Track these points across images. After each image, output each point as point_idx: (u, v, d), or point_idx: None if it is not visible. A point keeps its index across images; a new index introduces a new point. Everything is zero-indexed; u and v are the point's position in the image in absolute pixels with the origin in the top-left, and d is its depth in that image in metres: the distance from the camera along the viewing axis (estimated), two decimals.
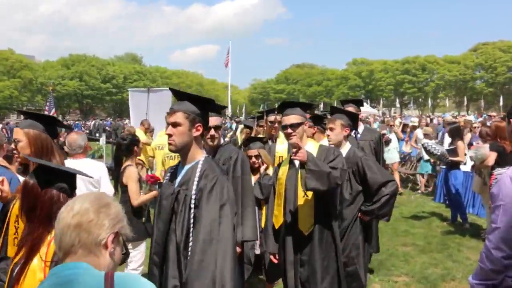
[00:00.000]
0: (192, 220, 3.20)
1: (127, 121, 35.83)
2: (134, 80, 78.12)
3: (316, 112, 9.65)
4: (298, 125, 4.29)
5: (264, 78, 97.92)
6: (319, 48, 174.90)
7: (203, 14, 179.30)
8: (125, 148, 5.91)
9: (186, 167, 3.40)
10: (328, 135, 5.15)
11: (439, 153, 9.16)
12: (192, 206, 3.23)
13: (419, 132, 13.73)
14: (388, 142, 13.78)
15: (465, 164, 10.19)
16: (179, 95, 3.49)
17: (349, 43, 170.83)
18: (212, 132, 4.57)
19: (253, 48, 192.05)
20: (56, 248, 1.87)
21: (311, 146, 4.42)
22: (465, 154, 10.10)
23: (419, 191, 14.01)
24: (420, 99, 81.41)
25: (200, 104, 3.42)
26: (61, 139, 14.13)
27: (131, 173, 5.61)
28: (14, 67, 67.77)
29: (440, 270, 7.19)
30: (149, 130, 11.88)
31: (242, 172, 4.70)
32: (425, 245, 8.47)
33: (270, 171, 5.86)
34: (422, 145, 9.76)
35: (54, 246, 1.95)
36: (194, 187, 3.25)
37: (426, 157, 13.26)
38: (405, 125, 16.96)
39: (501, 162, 7.39)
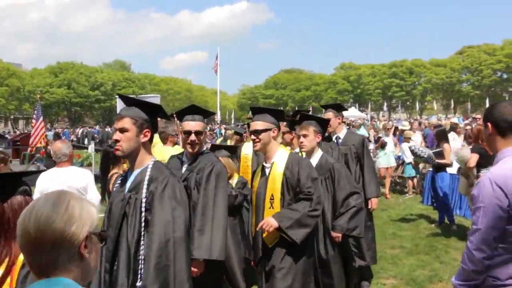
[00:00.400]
0: (143, 224, 3.21)
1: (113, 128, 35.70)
2: (122, 87, 77.96)
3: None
4: (262, 131, 4.24)
5: (253, 83, 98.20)
6: (308, 53, 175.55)
7: (192, 20, 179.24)
8: (112, 156, 5.92)
9: (135, 172, 3.42)
10: (301, 142, 5.05)
11: (426, 156, 9.24)
12: (143, 209, 3.24)
13: (410, 135, 13.80)
14: (384, 145, 13.90)
15: (451, 166, 10.29)
16: (127, 101, 3.51)
17: (337, 48, 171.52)
18: (192, 137, 4.30)
19: (242, 54, 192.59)
20: (27, 266, 1.71)
21: (281, 154, 4.35)
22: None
23: (407, 195, 14.09)
24: (408, 103, 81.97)
25: (148, 110, 3.44)
26: (49, 147, 14.11)
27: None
28: (1, 75, 67.29)
29: (427, 272, 7.23)
30: None
31: (215, 185, 4.18)
32: (412, 247, 8.52)
33: (235, 181, 5.96)
34: (409, 148, 9.85)
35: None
36: (144, 190, 3.27)
37: (408, 160, 13.59)
38: (396, 128, 17.09)
39: (484, 163, 7.50)
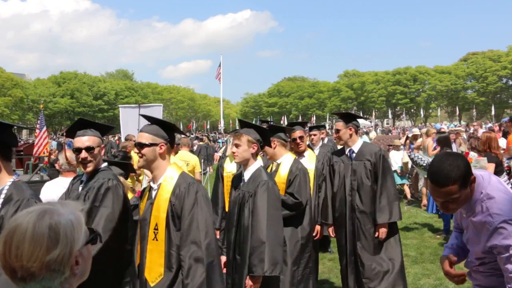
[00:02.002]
0: None
1: (116, 137, 35.85)
2: (125, 96, 78.42)
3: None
4: (145, 146, 3.58)
5: (256, 92, 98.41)
6: (311, 61, 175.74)
7: (195, 29, 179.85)
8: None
9: None
10: (233, 152, 4.59)
11: (425, 164, 9.18)
12: None
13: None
14: None
15: None
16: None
17: (340, 56, 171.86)
18: (83, 154, 3.83)
19: (245, 62, 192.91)
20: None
21: (170, 174, 3.66)
22: None
23: (406, 201, 14.07)
24: (412, 110, 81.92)
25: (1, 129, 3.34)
26: (53, 156, 14.09)
27: None
28: (4, 85, 67.63)
29: (432, 281, 7.14)
30: None
31: (101, 203, 3.70)
32: (417, 256, 8.43)
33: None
34: (409, 156, 9.80)
35: None
36: None
37: (393, 168, 13.65)
38: (407, 137, 17.11)
39: (498, 172, 7.54)
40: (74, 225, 1.54)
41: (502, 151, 8.84)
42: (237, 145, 4.49)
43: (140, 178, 10.86)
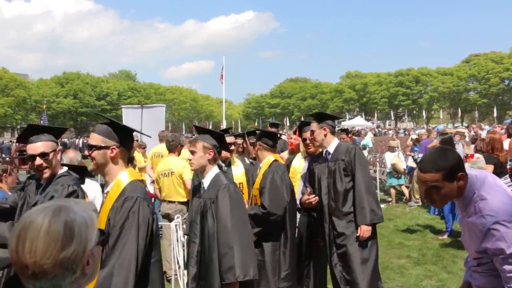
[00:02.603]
0: None
1: None
2: (128, 96, 78.44)
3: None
4: (94, 148, 3.20)
5: (259, 92, 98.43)
6: (313, 62, 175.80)
7: (197, 30, 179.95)
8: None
9: None
10: (189, 159, 4.45)
11: None
12: None
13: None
14: None
15: None
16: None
17: (342, 56, 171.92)
18: (37, 161, 3.69)
19: (247, 63, 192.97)
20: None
21: (121, 180, 3.22)
22: None
23: (390, 203, 14.30)
24: (414, 111, 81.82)
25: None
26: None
27: None
28: (8, 86, 67.66)
29: (434, 282, 7.15)
30: (141, 147, 11.80)
31: None
32: (419, 257, 8.44)
33: None
34: (412, 157, 9.81)
35: None
36: None
37: (388, 169, 14.10)
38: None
39: (498, 173, 7.49)
40: (88, 224, 1.53)
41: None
42: (192, 152, 4.34)
43: (143, 178, 10.89)
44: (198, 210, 4.28)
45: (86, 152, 3.32)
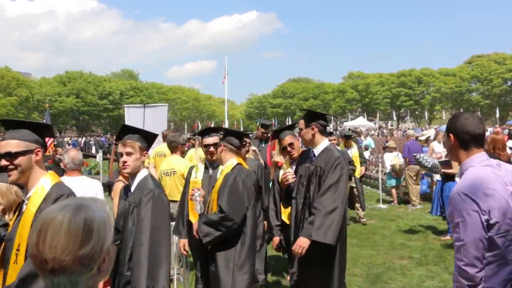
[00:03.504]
0: None
1: None
2: (130, 96, 78.46)
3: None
4: (18, 154, 3.03)
5: (261, 92, 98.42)
6: (315, 62, 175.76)
7: (200, 30, 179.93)
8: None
9: None
10: (124, 162, 3.97)
11: (430, 165, 9.18)
12: None
13: (435, 145, 13.73)
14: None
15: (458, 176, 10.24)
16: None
17: (344, 57, 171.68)
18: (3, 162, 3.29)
19: (250, 63, 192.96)
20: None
21: (42, 185, 3.13)
22: None
23: (393, 203, 14.31)
24: (416, 112, 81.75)
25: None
26: (58, 155, 14.15)
27: (117, 189, 5.57)
28: (10, 85, 67.76)
29: (437, 283, 7.15)
30: None
31: None
32: (421, 257, 8.44)
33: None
34: (414, 156, 9.79)
35: None
36: None
37: (388, 170, 14.25)
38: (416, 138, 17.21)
39: None
40: (105, 222, 1.57)
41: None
42: (129, 154, 3.95)
43: None
44: (122, 213, 3.97)
45: (3, 162, 3.00)
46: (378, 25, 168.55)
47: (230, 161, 5.01)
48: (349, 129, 31.35)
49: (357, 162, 11.55)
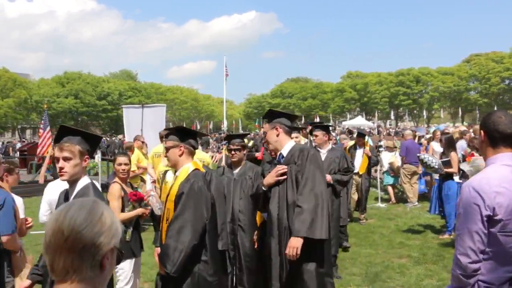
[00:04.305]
0: None
1: (120, 136, 35.93)
2: (129, 96, 78.31)
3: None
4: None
5: (260, 92, 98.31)
6: (314, 62, 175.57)
7: (200, 30, 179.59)
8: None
9: None
10: (60, 168, 3.56)
11: (436, 166, 9.21)
12: None
13: (434, 145, 13.75)
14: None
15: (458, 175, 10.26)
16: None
17: (343, 56, 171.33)
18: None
19: (249, 63, 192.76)
20: (49, 272, 1.64)
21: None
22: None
23: (390, 202, 14.40)
24: (415, 111, 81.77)
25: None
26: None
27: (112, 190, 5.55)
28: (7, 86, 67.60)
29: (435, 281, 7.17)
30: (145, 144, 11.86)
31: None
32: (420, 256, 8.46)
33: None
34: (419, 157, 9.82)
35: None
36: None
37: (385, 168, 14.38)
38: (420, 137, 17.25)
39: None
40: (116, 223, 1.69)
41: None
42: (67, 159, 3.55)
43: (144, 177, 10.93)
44: None
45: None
46: (377, 25, 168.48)
47: (186, 166, 4.35)
48: (347, 129, 31.35)
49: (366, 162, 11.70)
